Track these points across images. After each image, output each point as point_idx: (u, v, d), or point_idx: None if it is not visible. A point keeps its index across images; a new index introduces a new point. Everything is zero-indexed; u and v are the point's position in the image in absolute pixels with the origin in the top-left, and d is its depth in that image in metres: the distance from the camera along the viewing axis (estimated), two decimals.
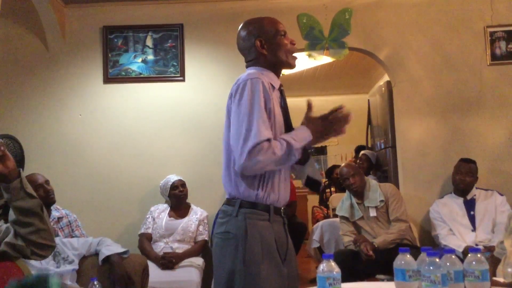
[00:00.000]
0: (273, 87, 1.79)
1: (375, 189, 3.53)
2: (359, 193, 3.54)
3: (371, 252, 3.21)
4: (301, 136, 1.71)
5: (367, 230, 3.49)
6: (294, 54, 1.88)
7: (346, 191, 3.66)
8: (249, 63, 1.88)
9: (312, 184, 1.90)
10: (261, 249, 1.69)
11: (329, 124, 1.78)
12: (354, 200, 3.56)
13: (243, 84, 1.71)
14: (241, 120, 1.68)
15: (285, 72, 5.94)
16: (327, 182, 5.76)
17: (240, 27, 1.92)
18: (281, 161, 1.67)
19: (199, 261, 3.57)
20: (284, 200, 1.82)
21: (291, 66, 1.88)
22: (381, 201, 3.48)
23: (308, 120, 1.79)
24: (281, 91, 1.84)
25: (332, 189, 5.48)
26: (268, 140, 1.64)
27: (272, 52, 1.83)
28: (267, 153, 1.62)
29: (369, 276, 3.28)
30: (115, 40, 4.15)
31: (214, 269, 1.78)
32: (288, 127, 1.80)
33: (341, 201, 3.69)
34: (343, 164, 3.74)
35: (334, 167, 5.85)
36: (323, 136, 1.78)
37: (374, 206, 3.48)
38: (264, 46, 1.83)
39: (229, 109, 1.79)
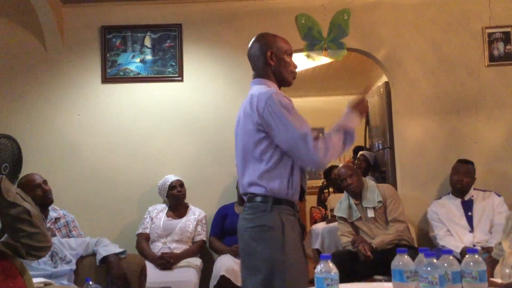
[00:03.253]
0: None
1: (373, 190, 3.53)
2: (357, 194, 3.54)
3: (369, 253, 3.21)
4: (350, 117, 1.98)
5: (365, 231, 3.49)
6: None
7: (344, 191, 3.66)
8: (256, 73, 2.11)
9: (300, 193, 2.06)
10: (294, 240, 1.92)
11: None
12: (352, 201, 3.56)
13: (270, 99, 1.91)
14: (288, 125, 1.88)
15: None
16: (325, 183, 5.76)
17: (255, 37, 2.15)
18: (344, 141, 1.92)
19: (197, 261, 3.56)
20: (297, 198, 2.03)
21: (289, 83, 2.11)
22: (379, 201, 3.48)
23: (358, 102, 2.06)
24: None
25: (330, 189, 5.47)
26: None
27: (278, 66, 2.06)
28: (327, 140, 1.87)
29: (366, 277, 3.28)
30: (114, 40, 4.14)
31: (247, 259, 1.95)
32: None
33: (339, 202, 3.69)
34: (341, 165, 3.74)
35: (332, 167, 5.84)
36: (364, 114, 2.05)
37: (372, 206, 3.48)
38: (273, 58, 2.05)
39: (253, 120, 1.96)
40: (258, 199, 1.95)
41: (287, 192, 1.94)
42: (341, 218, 3.59)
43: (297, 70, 2.14)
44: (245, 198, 2.03)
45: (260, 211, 1.93)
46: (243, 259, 1.99)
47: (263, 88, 1.98)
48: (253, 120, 1.95)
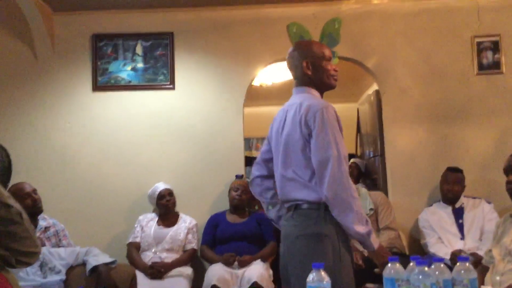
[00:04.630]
0: None
1: (365, 197, 3.54)
2: None
3: (360, 262, 3.21)
4: (374, 237, 1.95)
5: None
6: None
7: None
8: (296, 81, 2.14)
9: None
10: (348, 248, 1.97)
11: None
12: None
13: (319, 112, 1.94)
14: (326, 143, 1.92)
15: (275, 81, 5.94)
16: None
17: (292, 47, 2.18)
18: (355, 206, 1.89)
19: (188, 270, 3.54)
20: None
21: (332, 86, 2.12)
22: (371, 209, 3.49)
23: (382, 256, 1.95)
24: None
25: None
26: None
27: (316, 74, 2.08)
28: (352, 194, 1.90)
29: (358, 285, 3.27)
30: (105, 48, 4.13)
31: (299, 268, 1.92)
32: None
33: None
34: None
35: None
36: (383, 258, 1.91)
37: None
38: (309, 67, 2.07)
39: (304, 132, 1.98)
40: (307, 206, 1.96)
41: None
42: None
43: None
44: (286, 205, 2.06)
45: (311, 218, 1.95)
46: (293, 268, 1.97)
47: (313, 99, 2.01)
48: (302, 128, 1.97)
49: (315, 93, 2.08)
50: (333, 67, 2.11)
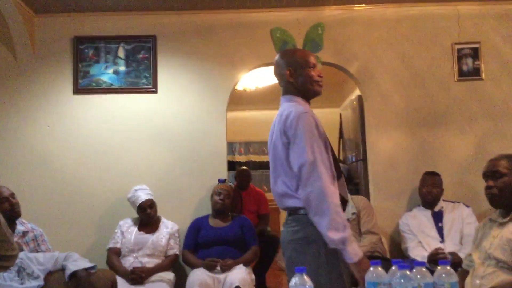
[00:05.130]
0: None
1: (348, 202, 3.55)
2: None
3: None
4: (356, 245, 1.86)
5: None
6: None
7: None
8: (282, 89, 2.16)
9: (341, 201, 2.04)
10: (335, 253, 1.89)
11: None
12: None
13: (295, 119, 1.95)
14: (303, 149, 1.92)
15: (258, 85, 5.95)
16: None
17: (278, 55, 2.20)
18: (330, 213, 1.84)
19: (169, 275, 3.51)
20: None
21: (317, 92, 2.13)
22: (353, 213, 3.50)
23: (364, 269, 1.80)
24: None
25: None
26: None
27: (300, 81, 2.09)
28: (329, 196, 1.86)
29: None
30: (86, 50, 4.09)
31: (290, 272, 1.96)
32: (331, 147, 2.05)
33: None
34: None
35: None
36: (364, 272, 1.78)
37: (346, 218, 3.50)
38: (292, 75, 2.09)
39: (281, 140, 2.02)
40: (302, 211, 1.96)
41: None
42: None
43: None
44: (281, 208, 2.08)
45: (301, 223, 1.95)
46: (289, 273, 1.99)
47: (293, 107, 2.01)
48: (282, 137, 1.99)
49: (300, 100, 2.09)
50: (318, 73, 2.11)
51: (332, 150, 2.05)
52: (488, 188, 2.21)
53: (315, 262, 1.89)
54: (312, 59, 2.12)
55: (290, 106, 2.03)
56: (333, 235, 1.82)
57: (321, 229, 1.85)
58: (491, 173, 2.22)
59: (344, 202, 2.11)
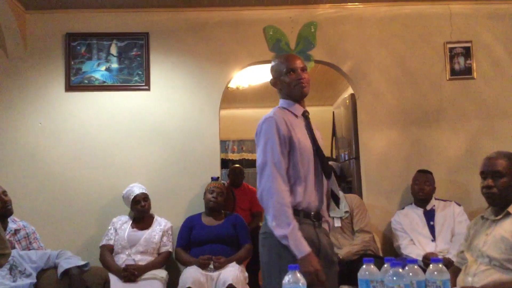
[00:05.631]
0: (296, 116, 2.20)
1: (341, 200, 3.56)
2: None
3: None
4: (300, 243, 1.97)
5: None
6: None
7: None
8: (279, 95, 2.30)
9: (333, 198, 2.22)
10: (283, 249, 2.00)
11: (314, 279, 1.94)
12: None
13: (261, 124, 2.14)
14: (260, 152, 2.11)
15: (251, 83, 5.94)
16: None
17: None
18: (274, 210, 2.00)
19: (162, 273, 3.50)
20: (316, 207, 2.16)
21: (301, 94, 2.23)
22: (346, 212, 3.52)
23: (316, 266, 1.96)
24: (305, 117, 2.23)
25: None
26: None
27: (283, 88, 2.24)
28: (276, 191, 2.02)
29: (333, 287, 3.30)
30: (78, 47, 4.07)
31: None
32: (316, 147, 2.17)
33: None
34: None
35: None
36: (308, 270, 1.92)
37: (339, 216, 3.51)
38: (277, 83, 2.26)
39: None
40: None
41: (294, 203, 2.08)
42: None
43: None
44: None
45: (265, 219, 2.10)
46: (260, 264, 2.18)
47: (268, 112, 2.17)
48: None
49: (285, 104, 2.24)
50: (298, 76, 2.20)
51: (318, 150, 2.17)
52: (487, 187, 2.19)
53: (267, 255, 2.08)
54: (291, 64, 2.21)
55: (270, 112, 2.18)
56: (276, 231, 1.99)
57: (269, 224, 2.02)
58: (490, 173, 2.20)
59: (335, 199, 2.22)
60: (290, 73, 2.20)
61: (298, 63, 2.22)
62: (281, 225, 1.98)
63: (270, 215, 2.01)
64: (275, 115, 2.12)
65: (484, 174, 2.22)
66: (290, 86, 2.20)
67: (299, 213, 2.09)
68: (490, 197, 2.19)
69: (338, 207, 2.36)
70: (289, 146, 2.10)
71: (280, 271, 1.95)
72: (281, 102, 2.26)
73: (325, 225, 2.25)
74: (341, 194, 3.66)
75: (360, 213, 3.54)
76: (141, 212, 3.66)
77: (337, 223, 3.51)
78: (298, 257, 1.95)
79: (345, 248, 3.39)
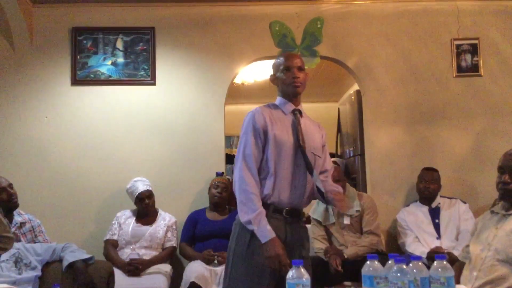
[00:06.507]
0: (285, 113, 2.26)
1: (353, 198, 3.52)
2: None
3: (340, 268, 3.21)
4: (264, 228, 2.05)
5: (337, 237, 3.50)
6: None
7: None
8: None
9: (319, 192, 2.22)
10: (250, 237, 2.09)
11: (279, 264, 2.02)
12: (329, 205, 3.54)
13: (245, 119, 2.24)
14: (239, 145, 2.21)
15: (256, 79, 5.93)
16: None
17: None
18: (242, 198, 2.10)
19: (166, 268, 3.51)
20: (290, 203, 2.18)
21: (294, 93, 2.27)
22: (357, 211, 3.48)
23: (278, 251, 2.03)
24: (295, 114, 2.25)
25: None
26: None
27: (279, 85, 2.30)
28: (246, 186, 2.11)
29: (337, 283, 3.30)
30: (84, 41, 4.07)
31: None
32: (299, 144, 2.18)
33: (316, 203, 3.66)
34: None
35: None
36: (270, 255, 2.02)
37: (349, 214, 3.47)
38: (274, 81, 2.32)
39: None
40: None
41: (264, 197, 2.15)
42: (316, 220, 3.58)
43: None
44: None
45: None
46: None
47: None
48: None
49: (277, 101, 2.31)
50: (292, 75, 2.23)
51: (299, 146, 2.17)
52: (504, 183, 2.17)
53: (233, 241, 2.17)
54: (288, 62, 2.25)
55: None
56: (242, 217, 2.09)
57: (238, 212, 2.11)
58: (508, 168, 2.18)
59: (321, 195, 2.21)
60: (286, 71, 2.24)
61: (296, 62, 2.25)
62: (247, 211, 2.07)
63: (238, 202, 2.10)
64: (256, 110, 2.22)
65: (502, 169, 2.21)
66: (284, 83, 2.25)
67: (269, 207, 2.14)
68: (506, 193, 2.17)
69: (324, 202, 2.36)
70: (264, 140, 2.17)
71: (244, 259, 2.10)
72: (277, 99, 2.32)
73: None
74: (354, 191, 3.64)
75: (371, 214, 3.50)
76: (145, 209, 3.67)
77: (346, 221, 3.48)
78: (262, 242, 2.03)
79: (352, 248, 3.36)
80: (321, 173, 2.31)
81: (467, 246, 2.34)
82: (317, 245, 3.49)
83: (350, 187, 3.64)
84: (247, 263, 2.11)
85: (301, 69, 2.26)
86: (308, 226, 3.81)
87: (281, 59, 2.30)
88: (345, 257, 3.29)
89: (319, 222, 3.57)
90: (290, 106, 2.28)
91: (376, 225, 3.50)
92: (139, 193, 3.64)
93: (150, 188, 3.71)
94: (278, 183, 2.15)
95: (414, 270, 1.55)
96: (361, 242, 3.41)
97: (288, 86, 2.25)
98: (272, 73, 2.34)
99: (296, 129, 2.22)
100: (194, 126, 4.05)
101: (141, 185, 3.68)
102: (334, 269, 3.22)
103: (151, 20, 4.11)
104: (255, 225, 2.04)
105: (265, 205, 2.13)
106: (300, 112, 2.29)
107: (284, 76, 2.25)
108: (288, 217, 2.17)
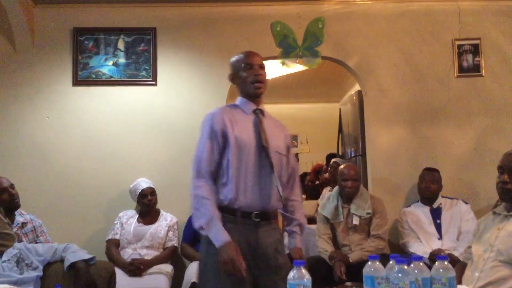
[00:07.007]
0: (245, 113, 2.19)
1: (366, 199, 3.47)
2: (349, 198, 3.51)
3: (343, 276, 3.19)
4: (217, 233, 1.99)
5: (342, 236, 3.47)
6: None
7: (334, 190, 3.64)
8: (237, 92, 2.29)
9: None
10: (207, 244, 2.04)
11: (229, 266, 1.96)
12: (340, 203, 3.52)
13: (203, 121, 2.20)
14: (197, 146, 2.18)
15: None
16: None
17: None
18: (194, 204, 2.07)
19: (168, 268, 3.52)
20: (258, 206, 2.10)
21: (254, 94, 2.20)
22: (368, 213, 3.44)
23: (231, 254, 1.96)
24: (256, 114, 2.18)
25: (303, 196, 5.49)
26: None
27: (239, 84, 2.23)
28: (200, 190, 2.08)
29: (338, 283, 3.29)
30: (86, 42, 4.08)
31: None
32: (261, 144, 2.12)
33: (327, 199, 3.63)
34: (347, 164, 3.69)
35: (305, 174, 5.88)
36: (223, 259, 1.96)
37: (359, 215, 3.44)
38: (233, 79, 2.25)
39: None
40: None
41: (222, 200, 2.10)
42: (324, 217, 3.56)
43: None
44: None
45: None
46: None
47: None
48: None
49: (238, 101, 2.24)
50: (254, 72, 2.16)
51: (262, 147, 2.10)
52: (503, 183, 2.17)
53: (201, 250, 2.13)
54: (249, 59, 2.19)
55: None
56: (195, 223, 2.05)
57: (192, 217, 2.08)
58: (508, 168, 2.18)
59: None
60: (247, 68, 2.17)
61: (257, 60, 2.20)
62: (199, 216, 2.03)
63: (192, 209, 2.07)
64: (215, 112, 2.17)
65: (501, 169, 2.20)
66: (245, 82, 2.18)
67: (236, 212, 2.08)
68: (505, 193, 2.17)
69: (282, 211, 2.31)
70: (223, 142, 2.10)
71: (205, 265, 2.07)
72: (237, 99, 2.25)
73: (295, 227, 2.25)
74: (366, 192, 3.61)
75: (381, 218, 3.47)
76: (147, 206, 3.67)
77: (355, 221, 3.44)
78: (216, 246, 1.98)
79: (357, 252, 3.32)
80: (287, 181, 2.27)
81: (469, 247, 2.33)
82: (322, 245, 3.43)
83: (363, 188, 3.60)
84: (209, 271, 2.07)
85: (262, 67, 2.20)
86: (310, 226, 3.85)
87: (241, 56, 2.22)
88: (350, 261, 3.27)
89: (326, 219, 3.53)
90: (252, 106, 2.20)
91: (384, 230, 3.47)
92: (142, 190, 3.66)
93: (153, 186, 3.73)
94: (242, 186, 2.07)
95: (416, 271, 1.54)
96: (367, 247, 3.35)
97: (250, 85, 2.17)
98: (230, 71, 2.26)
99: (259, 129, 2.14)
100: (195, 126, 3.97)
101: (144, 183, 3.71)
102: (338, 277, 3.20)
103: (152, 21, 4.11)
104: (207, 230, 2.00)
105: (232, 210, 2.07)
106: (262, 112, 2.22)
107: (246, 73, 2.17)
108: (259, 220, 2.10)
